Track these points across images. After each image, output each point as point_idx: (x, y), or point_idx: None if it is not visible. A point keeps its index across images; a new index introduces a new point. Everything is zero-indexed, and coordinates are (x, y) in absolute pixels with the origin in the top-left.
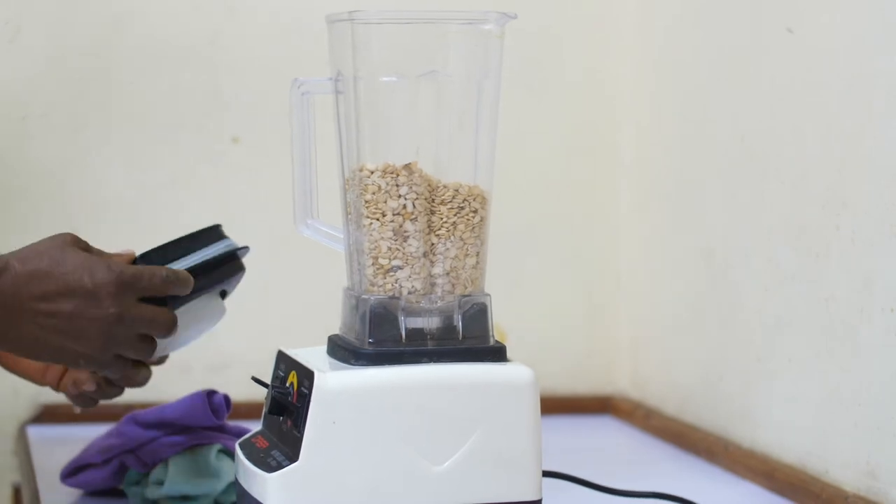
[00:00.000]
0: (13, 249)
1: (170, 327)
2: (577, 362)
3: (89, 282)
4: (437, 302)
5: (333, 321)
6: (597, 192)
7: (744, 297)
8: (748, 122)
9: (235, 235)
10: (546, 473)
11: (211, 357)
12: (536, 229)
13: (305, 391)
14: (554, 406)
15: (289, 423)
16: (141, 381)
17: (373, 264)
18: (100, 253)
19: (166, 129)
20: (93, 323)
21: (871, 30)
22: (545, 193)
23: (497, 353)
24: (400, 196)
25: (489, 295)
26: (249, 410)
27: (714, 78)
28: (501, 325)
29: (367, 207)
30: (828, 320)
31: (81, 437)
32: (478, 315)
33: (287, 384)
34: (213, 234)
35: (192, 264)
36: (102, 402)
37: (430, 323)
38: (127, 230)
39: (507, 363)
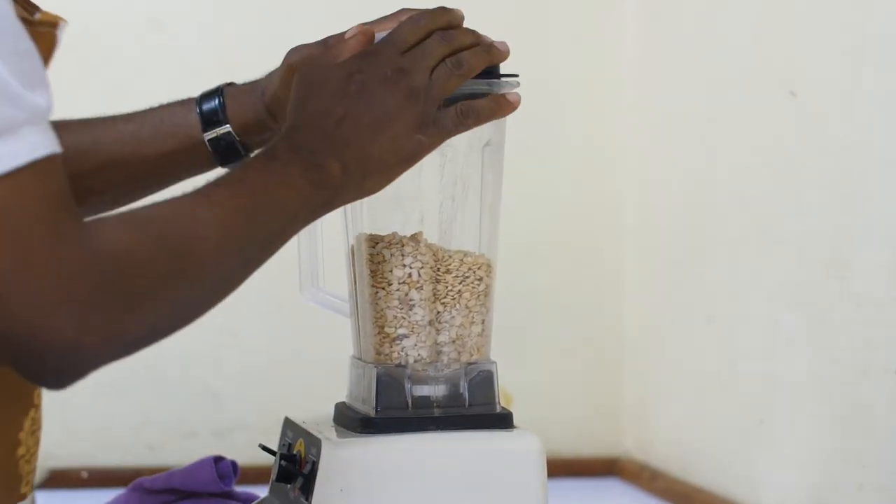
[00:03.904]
0: None
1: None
2: (582, 425)
3: (345, 69)
4: (443, 370)
5: (340, 388)
6: (601, 256)
7: (747, 359)
8: (750, 185)
9: (240, 301)
10: None
11: (217, 422)
12: (541, 293)
13: (313, 459)
14: (560, 469)
15: (296, 490)
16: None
17: (379, 333)
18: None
19: (166, 193)
20: (379, 85)
21: (870, 95)
22: (549, 257)
23: (503, 420)
24: (405, 265)
25: (495, 362)
26: (256, 475)
27: (716, 139)
28: (507, 389)
29: (372, 276)
30: (830, 382)
31: (89, 502)
32: (484, 382)
33: (294, 452)
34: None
35: None
36: (109, 467)
37: (437, 391)
38: None
39: (514, 430)
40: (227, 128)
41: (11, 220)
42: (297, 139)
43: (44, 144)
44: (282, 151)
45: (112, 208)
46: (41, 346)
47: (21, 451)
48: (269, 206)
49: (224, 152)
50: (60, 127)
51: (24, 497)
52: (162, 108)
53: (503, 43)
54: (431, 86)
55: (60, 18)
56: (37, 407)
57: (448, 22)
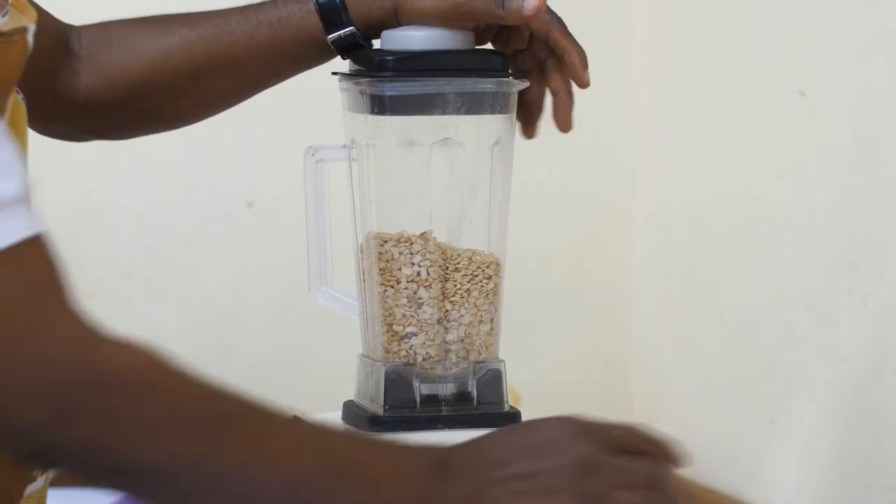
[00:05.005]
0: None
1: (664, 490)
2: None
3: (544, 433)
4: (451, 368)
5: (348, 386)
6: (610, 255)
7: (756, 359)
8: (758, 184)
9: (248, 300)
10: None
11: None
12: (550, 292)
13: None
14: None
15: None
16: None
17: (387, 331)
18: None
19: (177, 191)
20: (558, 473)
21: (879, 95)
22: (557, 256)
23: (512, 419)
24: (414, 264)
25: (503, 361)
26: None
27: (725, 139)
28: (515, 388)
29: (381, 275)
30: (839, 383)
31: (98, 500)
32: (492, 381)
33: None
34: None
35: None
36: None
37: (445, 389)
38: (138, 293)
39: None
40: (351, 29)
41: None
42: (451, 460)
43: (7, 234)
44: (423, 452)
45: (224, 108)
46: (9, 435)
47: None
48: (364, 474)
49: (347, 48)
50: (164, 23)
51: (34, 479)
52: (276, 5)
53: None
54: (614, 499)
55: (30, 15)
56: None
57: (664, 458)
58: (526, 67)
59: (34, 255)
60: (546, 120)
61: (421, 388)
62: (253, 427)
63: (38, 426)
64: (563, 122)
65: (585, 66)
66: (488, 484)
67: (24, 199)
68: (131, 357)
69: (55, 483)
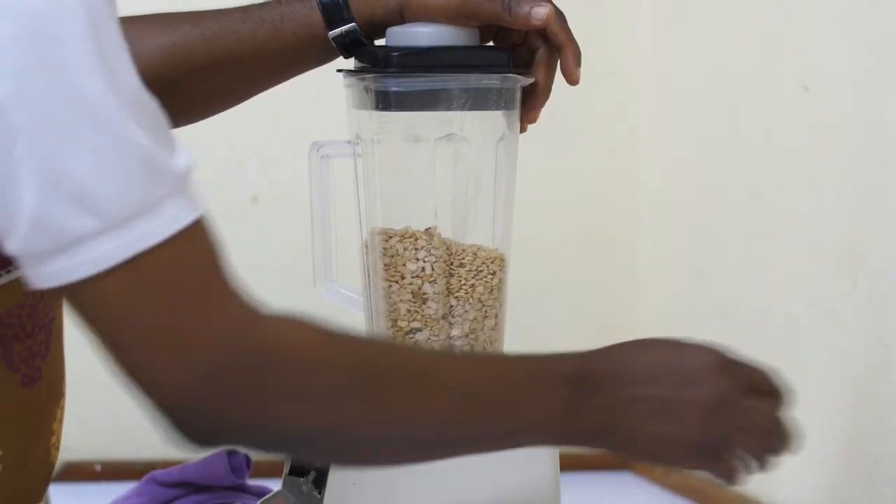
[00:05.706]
0: None
1: (782, 434)
2: None
3: (689, 360)
4: None
5: None
6: (616, 250)
7: (761, 354)
8: (764, 180)
9: (252, 295)
10: None
11: None
12: (555, 287)
13: None
14: (573, 463)
15: (309, 484)
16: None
17: (392, 326)
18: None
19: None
20: (690, 406)
21: (886, 88)
22: (563, 252)
23: None
24: (419, 259)
25: None
26: (270, 469)
27: (729, 134)
28: None
29: (385, 270)
30: (844, 377)
31: (102, 495)
32: None
33: None
34: None
35: None
36: (123, 460)
37: None
38: None
39: None
40: (352, 25)
41: (153, 298)
42: (591, 371)
43: (183, 214)
44: (561, 366)
45: (226, 108)
46: (174, 416)
47: (53, 440)
48: (505, 402)
49: (349, 46)
50: (168, 21)
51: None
52: (279, 3)
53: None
54: (735, 439)
55: None
56: (65, 396)
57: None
58: (521, 61)
59: (201, 235)
60: (552, 116)
61: None
62: (405, 386)
63: (208, 409)
64: (533, 115)
65: (578, 63)
66: (624, 401)
67: (189, 179)
68: (294, 332)
69: (56, 480)
